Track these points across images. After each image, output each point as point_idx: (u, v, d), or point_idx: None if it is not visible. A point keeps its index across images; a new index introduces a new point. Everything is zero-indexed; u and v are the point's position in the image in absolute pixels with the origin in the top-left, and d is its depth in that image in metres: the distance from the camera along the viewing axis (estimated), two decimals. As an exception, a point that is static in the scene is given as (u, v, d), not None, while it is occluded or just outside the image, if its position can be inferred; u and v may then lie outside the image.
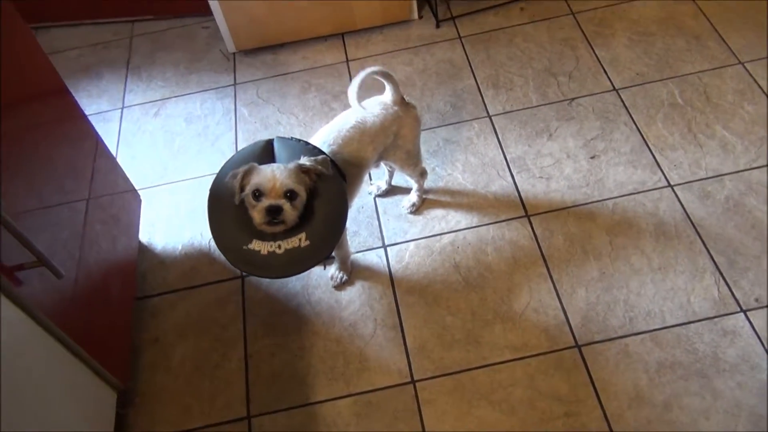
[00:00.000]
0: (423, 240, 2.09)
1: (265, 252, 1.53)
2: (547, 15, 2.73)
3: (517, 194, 2.16)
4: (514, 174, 2.22)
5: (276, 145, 1.71)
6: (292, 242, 1.54)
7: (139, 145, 2.55)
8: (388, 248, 2.09)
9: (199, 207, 2.28)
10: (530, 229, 2.07)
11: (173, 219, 2.28)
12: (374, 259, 2.07)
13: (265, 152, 1.69)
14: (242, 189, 1.56)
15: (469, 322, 1.89)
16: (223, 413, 1.81)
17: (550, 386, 1.74)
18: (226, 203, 1.59)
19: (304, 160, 1.58)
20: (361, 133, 1.78)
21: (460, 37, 2.72)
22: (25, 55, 1.65)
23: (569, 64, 2.54)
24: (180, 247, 2.20)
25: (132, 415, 1.83)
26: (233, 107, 2.62)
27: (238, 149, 1.72)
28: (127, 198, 2.12)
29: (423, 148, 2.31)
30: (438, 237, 2.09)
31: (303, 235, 1.55)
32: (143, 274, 2.14)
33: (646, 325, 1.81)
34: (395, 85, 1.82)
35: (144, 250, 2.21)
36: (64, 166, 1.71)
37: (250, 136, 2.48)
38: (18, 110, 1.53)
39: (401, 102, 1.86)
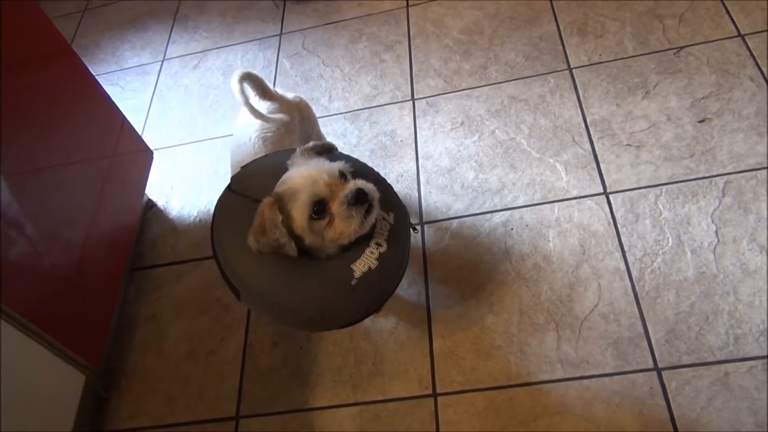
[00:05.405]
0: (469, 218, 1.69)
1: (376, 256, 1.17)
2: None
3: (595, 165, 1.69)
4: (594, 140, 1.74)
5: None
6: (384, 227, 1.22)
7: (173, 100, 2.31)
8: (426, 226, 1.71)
9: (221, 170, 2.01)
10: (608, 210, 1.60)
11: (194, 181, 2.03)
12: (408, 237, 1.70)
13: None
14: (289, 228, 1.15)
15: (514, 325, 1.48)
16: (210, 409, 1.54)
17: (613, 419, 1.30)
18: (279, 261, 1.17)
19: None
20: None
21: (543, -25, 2.24)
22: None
23: (681, 3, 1.99)
24: (195, 214, 1.94)
25: (115, 399, 1.61)
26: (275, 59, 2.31)
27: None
28: (134, 157, 1.89)
29: (484, 106, 1.90)
30: (488, 215, 1.68)
31: (393, 216, 1.24)
32: (153, 241, 1.90)
33: (759, 349, 1.31)
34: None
35: (159, 215, 1.97)
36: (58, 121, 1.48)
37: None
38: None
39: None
